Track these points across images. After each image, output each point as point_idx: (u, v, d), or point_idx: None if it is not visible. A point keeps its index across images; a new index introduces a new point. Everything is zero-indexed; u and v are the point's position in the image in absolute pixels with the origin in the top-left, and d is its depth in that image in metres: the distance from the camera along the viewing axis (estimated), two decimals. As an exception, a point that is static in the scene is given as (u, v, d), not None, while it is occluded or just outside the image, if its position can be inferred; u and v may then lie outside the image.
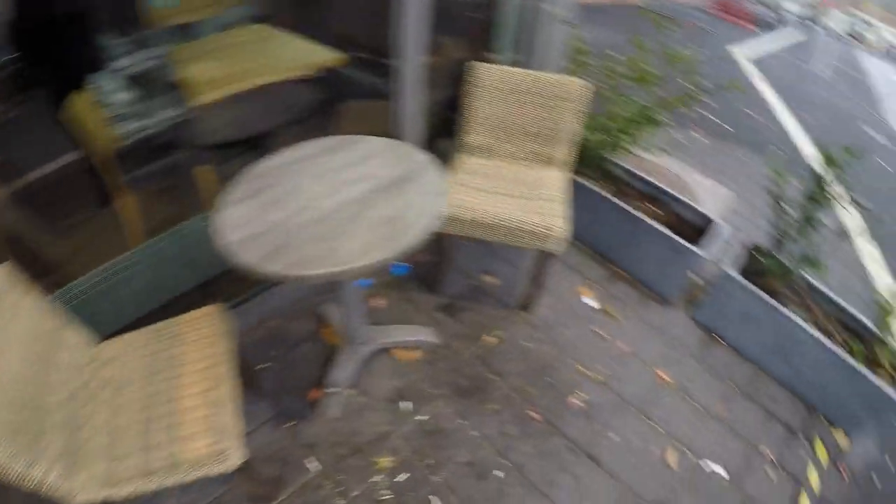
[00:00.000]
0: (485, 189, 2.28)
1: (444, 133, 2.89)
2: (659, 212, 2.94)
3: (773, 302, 2.50)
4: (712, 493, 2.15)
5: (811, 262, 2.51)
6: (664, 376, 2.50)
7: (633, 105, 2.81)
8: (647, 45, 2.78)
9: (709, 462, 2.23)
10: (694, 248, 2.61)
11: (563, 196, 2.30)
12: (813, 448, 2.44)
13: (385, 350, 2.31)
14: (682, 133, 5.35)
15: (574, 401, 2.29)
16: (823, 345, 2.42)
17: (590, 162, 2.92)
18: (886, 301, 2.55)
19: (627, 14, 2.75)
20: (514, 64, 3.01)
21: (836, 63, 16.48)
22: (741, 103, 7.34)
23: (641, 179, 3.04)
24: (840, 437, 2.53)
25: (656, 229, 2.69)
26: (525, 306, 2.60)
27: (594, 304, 2.76)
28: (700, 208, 2.92)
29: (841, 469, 2.41)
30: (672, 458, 2.20)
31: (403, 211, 1.58)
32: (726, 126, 6.05)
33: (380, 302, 2.53)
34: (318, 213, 1.54)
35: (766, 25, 21.04)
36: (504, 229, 2.14)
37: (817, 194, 2.42)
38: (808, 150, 6.52)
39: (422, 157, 1.84)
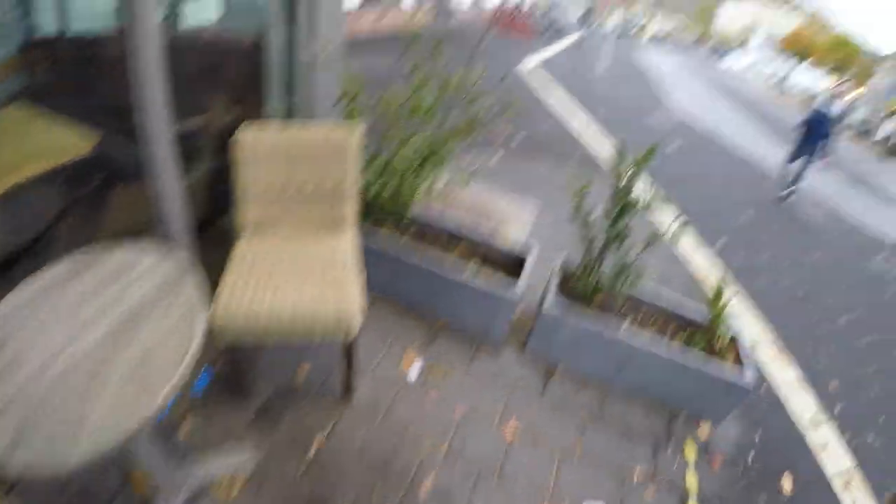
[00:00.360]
0: (269, 279, 1.98)
1: (226, 208, 2.57)
2: (468, 250, 2.85)
3: (597, 323, 2.48)
4: (597, 535, 2.00)
5: (628, 272, 2.52)
6: (512, 428, 2.33)
7: (418, 143, 2.69)
8: (428, 74, 2.66)
9: (586, 502, 2.08)
10: (503, 293, 2.54)
11: (356, 266, 2.09)
12: (683, 450, 2.41)
13: (205, 486, 1.90)
14: (481, 156, 5.52)
15: (426, 487, 2.03)
16: (657, 351, 2.43)
17: (384, 213, 2.76)
18: (713, 288, 2.63)
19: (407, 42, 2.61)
20: (288, 116, 2.82)
21: (617, 59, 18.54)
22: (534, 116, 7.83)
23: (443, 222, 2.94)
24: (704, 430, 2.54)
25: (460, 279, 2.58)
26: (347, 392, 2.30)
27: (420, 368, 2.54)
28: (506, 242, 2.89)
29: (713, 459, 2.42)
30: (545, 515, 2.02)
31: (156, 347, 1.31)
32: (521, 140, 6.35)
33: (185, 427, 2.11)
34: (61, 369, 1.24)
35: (553, 34, 23.37)
36: (298, 328, 1.85)
37: (621, 203, 2.43)
38: (603, 148, 7.03)
39: (175, 266, 1.56)
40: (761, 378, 3.09)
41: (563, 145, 6.99)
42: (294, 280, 1.99)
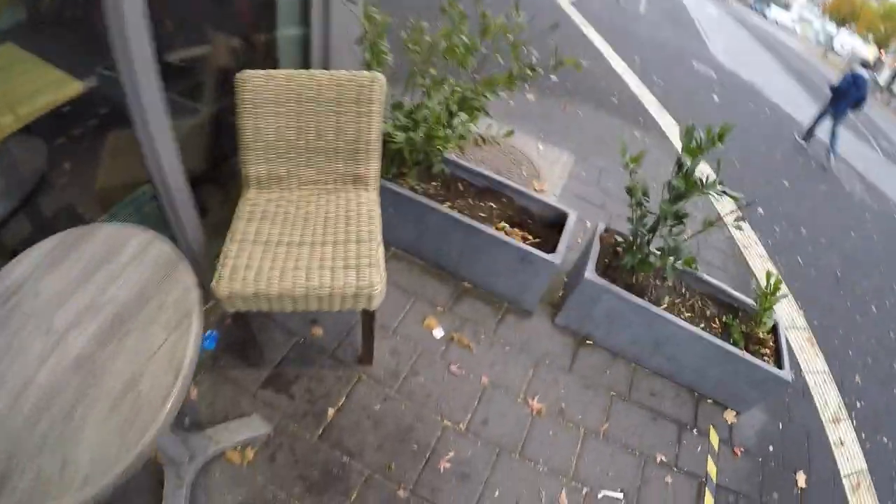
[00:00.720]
0: (281, 241, 1.85)
1: (231, 153, 2.28)
2: (499, 206, 2.74)
3: (638, 300, 2.39)
4: (613, 522, 2.02)
5: (679, 254, 2.34)
6: (536, 403, 2.30)
7: (450, 90, 2.50)
8: (464, 12, 2.36)
9: (604, 490, 2.09)
10: (541, 254, 2.41)
11: (378, 230, 1.96)
12: (707, 437, 2.42)
13: (217, 456, 1.88)
14: (512, 97, 5.22)
15: (445, 462, 2.01)
16: (696, 334, 2.37)
17: (408, 164, 2.60)
18: (767, 281, 2.54)
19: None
20: (302, 53, 2.57)
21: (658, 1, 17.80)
22: (572, 53, 7.43)
23: (475, 173, 2.79)
24: (729, 417, 2.54)
25: (494, 237, 2.45)
26: (365, 358, 2.24)
27: (443, 333, 2.47)
28: (545, 199, 2.75)
29: (734, 449, 2.42)
30: (563, 499, 2.02)
31: (143, 369, 1.14)
32: (556, 80, 6.01)
33: (191, 392, 2.05)
34: (39, 395, 1.08)
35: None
36: (312, 299, 1.73)
37: (685, 184, 2.23)
38: (644, 94, 6.73)
39: (167, 250, 1.39)
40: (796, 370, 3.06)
41: (602, 87, 6.60)
42: (312, 241, 1.86)
